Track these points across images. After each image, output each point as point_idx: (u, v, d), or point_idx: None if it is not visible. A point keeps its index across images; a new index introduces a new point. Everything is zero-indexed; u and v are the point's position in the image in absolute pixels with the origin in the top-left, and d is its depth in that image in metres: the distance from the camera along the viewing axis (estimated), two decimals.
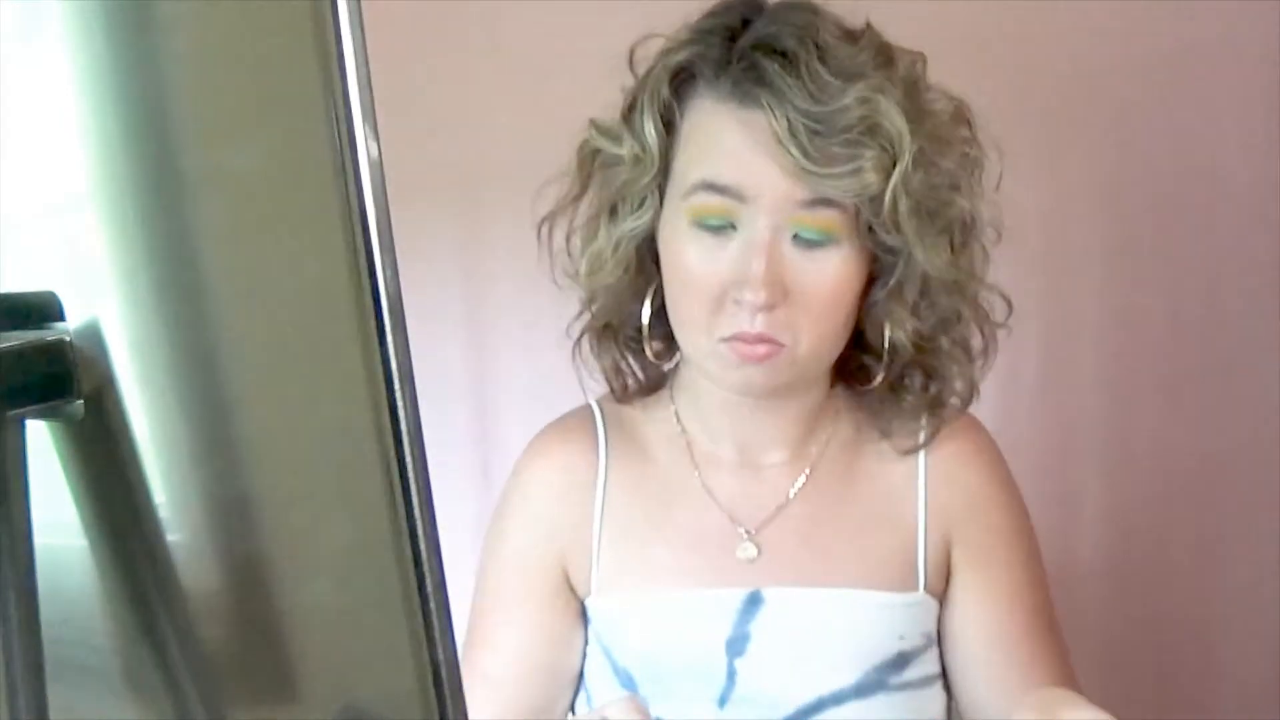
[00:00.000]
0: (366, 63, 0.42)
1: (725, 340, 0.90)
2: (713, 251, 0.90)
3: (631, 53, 0.96)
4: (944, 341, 0.97)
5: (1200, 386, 1.60)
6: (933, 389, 1.00)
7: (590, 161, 0.97)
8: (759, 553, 0.98)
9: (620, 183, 0.94)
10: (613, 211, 0.95)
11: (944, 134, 0.92)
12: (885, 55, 0.90)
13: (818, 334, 0.91)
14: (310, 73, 0.42)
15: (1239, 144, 1.54)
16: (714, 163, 0.90)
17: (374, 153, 0.42)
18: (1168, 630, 1.63)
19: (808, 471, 1.00)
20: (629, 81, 0.96)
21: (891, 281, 0.93)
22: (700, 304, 0.91)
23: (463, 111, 1.60)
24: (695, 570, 0.98)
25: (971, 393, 1.00)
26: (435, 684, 0.45)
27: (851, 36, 0.90)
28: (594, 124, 0.96)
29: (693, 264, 0.91)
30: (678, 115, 0.92)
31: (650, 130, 0.92)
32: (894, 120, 0.87)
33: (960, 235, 0.93)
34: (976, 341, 0.99)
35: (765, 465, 1.00)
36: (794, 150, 0.86)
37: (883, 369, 0.97)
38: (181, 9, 0.46)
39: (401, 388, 0.43)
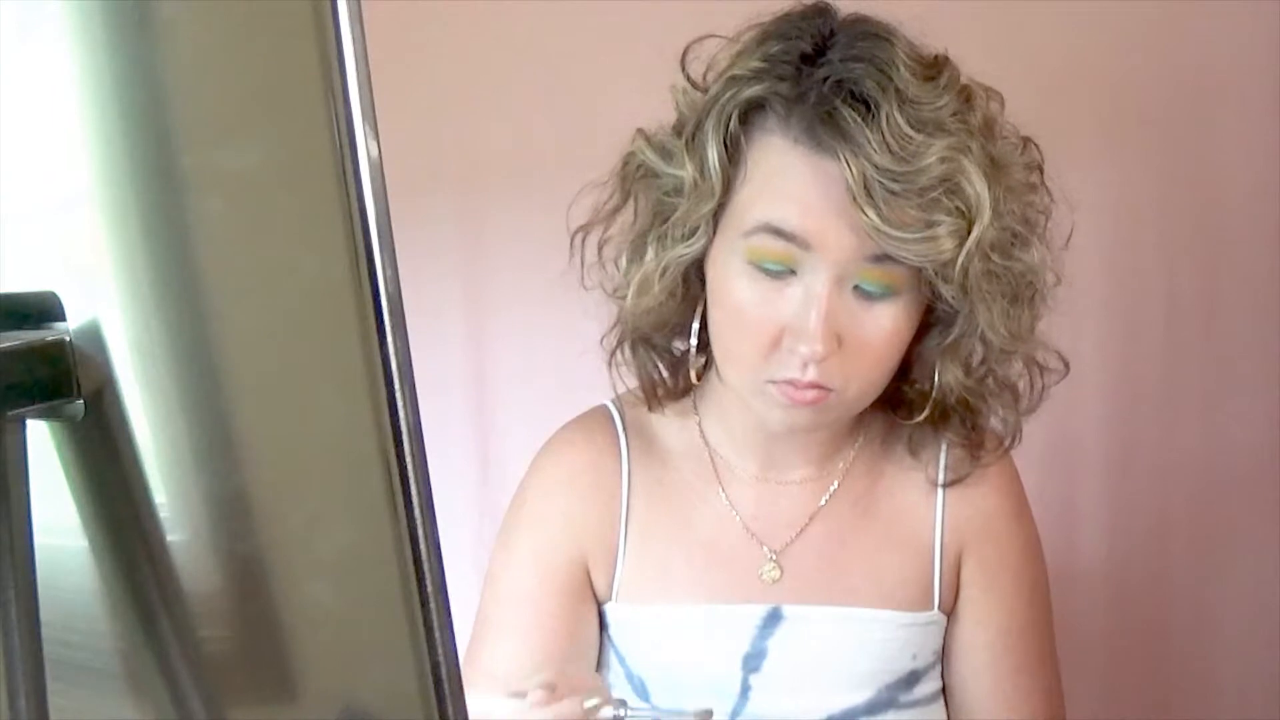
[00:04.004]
0: (366, 63, 0.41)
1: (774, 382, 0.88)
2: (769, 294, 0.87)
3: (685, 54, 0.91)
4: (991, 383, 0.96)
5: (1200, 391, 1.59)
6: (975, 428, 0.98)
7: (636, 175, 0.92)
8: (781, 575, 0.97)
9: (675, 207, 0.89)
10: (662, 233, 0.91)
11: (1018, 185, 0.88)
12: (964, 96, 0.86)
13: (868, 380, 0.90)
14: (310, 73, 0.42)
15: (1240, 149, 1.54)
16: (780, 206, 0.85)
17: (374, 153, 0.42)
18: (1168, 634, 1.63)
19: (832, 489, 1.00)
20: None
21: (950, 338, 0.91)
22: (751, 344, 0.88)
23: (463, 111, 1.60)
24: (716, 585, 0.98)
25: (1015, 436, 0.99)
26: (435, 684, 0.45)
27: (929, 72, 0.85)
28: (644, 136, 0.92)
29: (746, 304, 0.87)
30: (744, 145, 0.87)
31: (714, 160, 0.86)
32: (974, 183, 0.83)
33: (1025, 293, 0.90)
34: (1024, 384, 0.97)
35: (789, 481, 1.00)
36: (869, 211, 0.81)
37: (928, 405, 0.95)
38: (181, 9, 0.46)
39: (401, 387, 0.43)
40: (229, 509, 0.50)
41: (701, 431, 1.01)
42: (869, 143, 0.81)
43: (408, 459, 0.43)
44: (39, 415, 0.49)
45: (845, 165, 0.81)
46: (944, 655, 1.01)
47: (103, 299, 0.49)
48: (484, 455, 1.67)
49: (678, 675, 0.97)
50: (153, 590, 0.50)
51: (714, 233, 0.89)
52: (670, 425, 1.02)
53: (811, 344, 0.85)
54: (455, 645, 0.45)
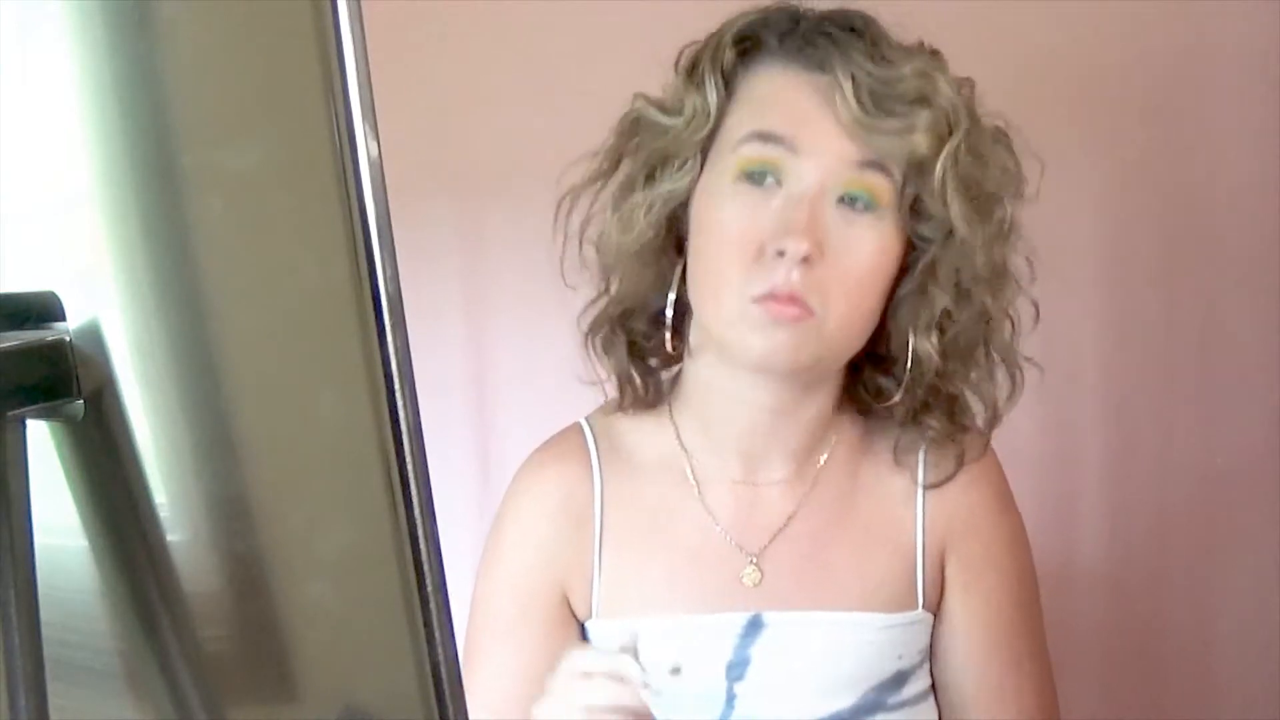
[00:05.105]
0: (366, 63, 0.42)
1: (757, 300, 0.88)
2: (754, 206, 0.89)
3: (678, 58, 0.95)
4: (966, 366, 0.96)
5: (1199, 393, 1.60)
6: (955, 419, 0.98)
7: (630, 133, 0.96)
8: (763, 577, 0.97)
9: (666, 143, 0.93)
10: (650, 176, 0.94)
11: (990, 142, 0.93)
12: (937, 56, 0.92)
13: (847, 308, 0.90)
14: (310, 73, 0.42)
15: (1240, 148, 1.54)
16: (770, 115, 0.90)
17: (374, 153, 0.42)
18: (1167, 634, 1.63)
19: (809, 490, 0.99)
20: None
21: (924, 262, 0.92)
22: (736, 259, 0.89)
23: (463, 111, 1.60)
24: (697, 593, 0.98)
25: (994, 418, 0.99)
26: (435, 684, 0.45)
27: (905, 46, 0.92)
28: (643, 96, 0.95)
29: (731, 220, 0.90)
30: (737, 80, 0.92)
31: (711, 87, 0.91)
32: (949, 95, 0.89)
33: (1002, 230, 0.92)
34: (1001, 374, 0.97)
35: (766, 483, 0.99)
36: (853, 102, 0.87)
37: (903, 388, 0.95)
38: (181, 9, 0.46)
39: (401, 387, 0.43)
40: (229, 509, 0.50)
41: (678, 437, 1.00)
42: (856, 51, 0.88)
43: (408, 459, 0.43)
44: (39, 415, 0.49)
45: (834, 70, 0.88)
46: (932, 654, 1.01)
47: (103, 299, 0.49)
48: (484, 456, 1.67)
49: (663, 686, 0.97)
50: (153, 590, 0.50)
51: (701, 168, 0.93)
52: (646, 436, 1.01)
53: (797, 240, 0.87)
54: (455, 645, 0.45)
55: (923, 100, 0.88)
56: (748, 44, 0.92)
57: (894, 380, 0.96)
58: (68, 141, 0.49)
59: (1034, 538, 1.05)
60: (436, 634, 0.44)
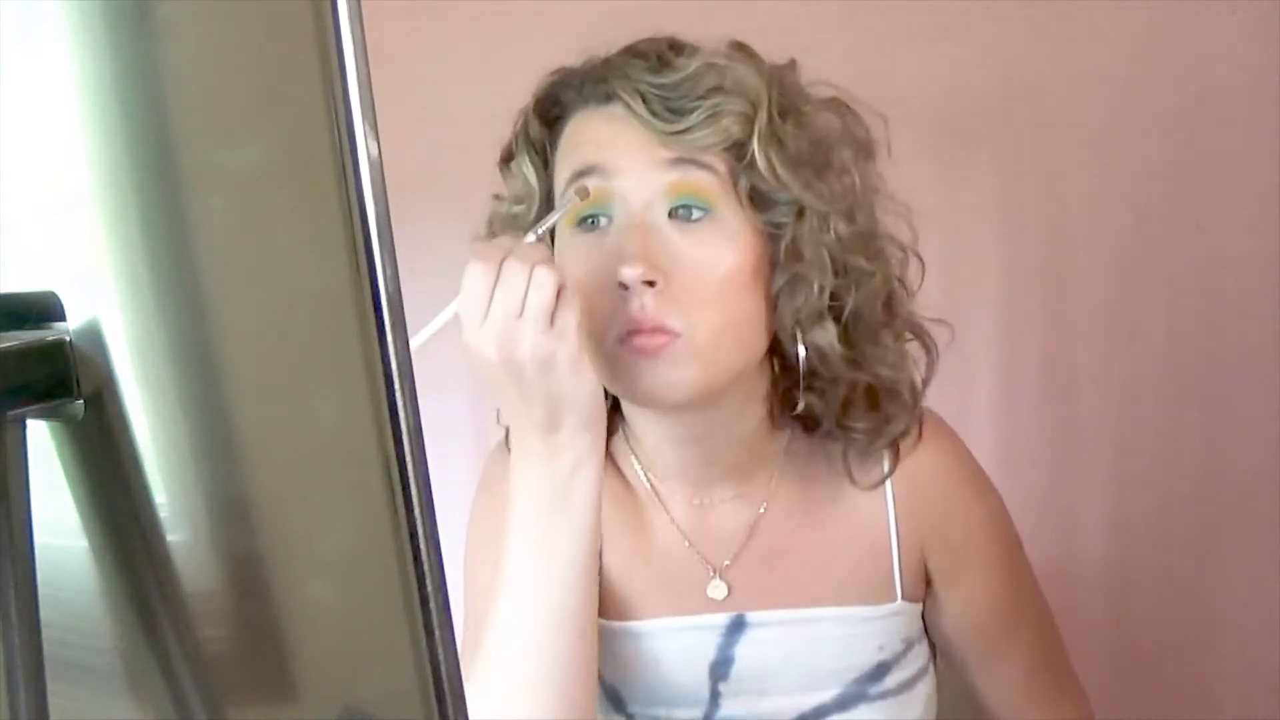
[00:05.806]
0: (366, 63, 0.42)
1: (621, 341, 0.85)
2: (592, 249, 0.87)
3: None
4: (877, 349, 0.92)
5: (1201, 394, 1.60)
6: (880, 413, 0.94)
7: (491, 234, 0.98)
8: (729, 591, 0.97)
9: (515, 230, 0.92)
10: None
11: (814, 107, 0.90)
12: (738, 53, 0.90)
13: (712, 319, 0.86)
14: (310, 73, 0.42)
15: (1241, 152, 1.55)
16: (579, 153, 0.89)
17: (374, 152, 0.42)
18: (1167, 634, 1.64)
19: (763, 506, 0.98)
20: None
21: (785, 246, 0.87)
22: (591, 308, 0.85)
23: (463, 111, 1.60)
24: (674, 601, 0.98)
25: (916, 398, 0.94)
26: (435, 684, 0.45)
27: None
28: (495, 196, 0.98)
29: (574, 270, 0.86)
30: (554, 147, 0.93)
31: (527, 163, 0.93)
32: (746, 76, 0.86)
33: (854, 190, 0.89)
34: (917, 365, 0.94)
35: (719, 502, 0.98)
36: (647, 116, 0.86)
37: (808, 389, 0.91)
38: (182, 8, 0.46)
39: (401, 387, 0.43)
40: (229, 509, 0.50)
41: (639, 460, 1.00)
42: (638, 70, 0.87)
43: (408, 458, 0.43)
44: (39, 415, 0.49)
45: (621, 96, 0.87)
46: (937, 643, 1.02)
47: (103, 299, 0.49)
48: (484, 454, 1.66)
49: (648, 685, 0.98)
50: (153, 590, 0.50)
51: (552, 243, 0.91)
52: (621, 454, 1.02)
53: (630, 266, 0.84)
54: (455, 645, 0.45)
55: (717, 89, 0.86)
56: (555, 110, 0.93)
57: (814, 393, 0.92)
58: (68, 141, 0.49)
59: (1035, 537, 1.05)
60: (436, 634, 0.44)
